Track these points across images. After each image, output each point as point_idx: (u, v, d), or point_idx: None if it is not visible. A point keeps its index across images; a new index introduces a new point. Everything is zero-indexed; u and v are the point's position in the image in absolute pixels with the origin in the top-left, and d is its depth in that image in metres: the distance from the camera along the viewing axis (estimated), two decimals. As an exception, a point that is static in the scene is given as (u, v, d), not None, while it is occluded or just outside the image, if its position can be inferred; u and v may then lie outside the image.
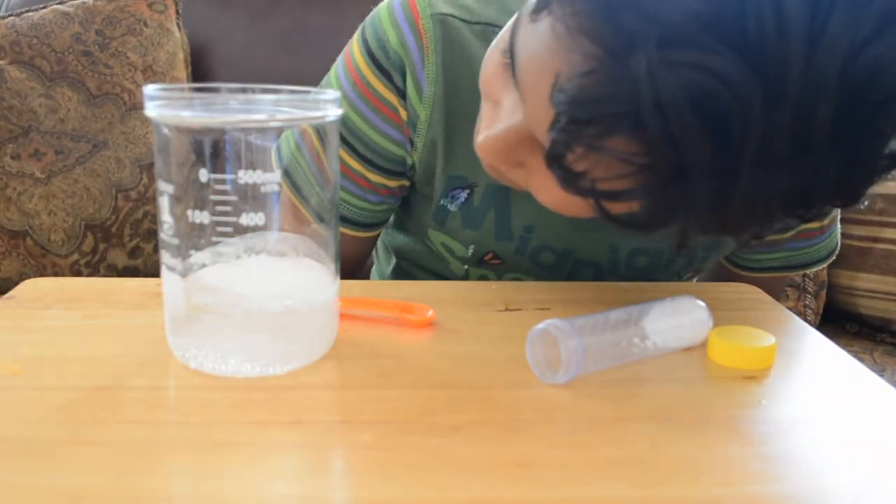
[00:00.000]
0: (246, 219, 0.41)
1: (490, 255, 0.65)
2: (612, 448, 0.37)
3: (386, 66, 0.59)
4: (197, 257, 0.43)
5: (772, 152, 0.35)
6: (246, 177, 0.40)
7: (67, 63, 1.14)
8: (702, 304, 0.50)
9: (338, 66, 0.63)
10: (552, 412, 0.41)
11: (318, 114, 0.43)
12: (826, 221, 0.69)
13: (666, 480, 0.35)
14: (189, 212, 0.41)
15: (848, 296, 1.19)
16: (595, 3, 0.36)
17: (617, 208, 0.41)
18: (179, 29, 1.22)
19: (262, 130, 0.41)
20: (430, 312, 0.52)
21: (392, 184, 0.64)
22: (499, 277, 0.67)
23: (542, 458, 0.36)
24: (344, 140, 0.62)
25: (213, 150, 0.41)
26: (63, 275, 1.12)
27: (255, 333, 0.43)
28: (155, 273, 0.56)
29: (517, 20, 0.44)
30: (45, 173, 1.11)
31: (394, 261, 0.78)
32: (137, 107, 1.16)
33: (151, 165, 1.14)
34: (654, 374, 0.46)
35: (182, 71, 1.21)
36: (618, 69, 0.35)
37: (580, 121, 0.37)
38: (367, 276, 0.89)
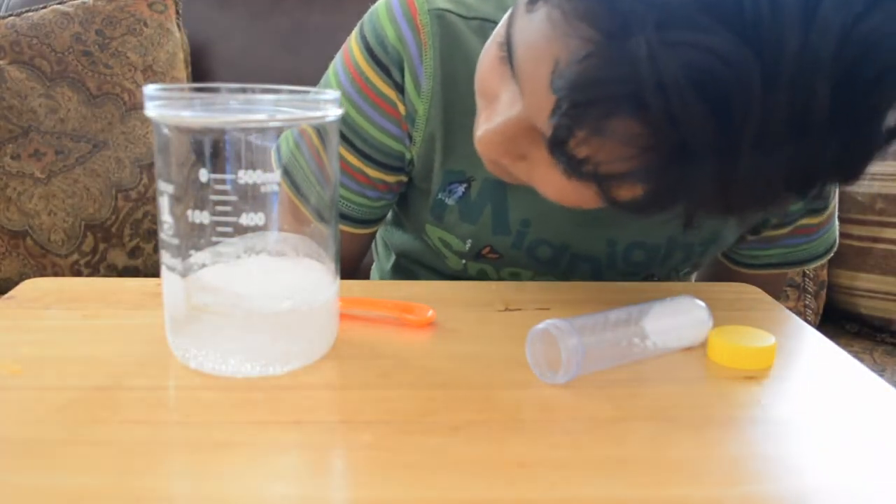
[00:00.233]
0: (246, 219, 0.41)
1: (487, 250, 0.65)
2: (612, 448, 0.37)
3: (384, 61, 0.59)
4: (197, 257, 0.43)
5: (771, 132, 0.35)
6: (246, 177, 0.40)
7: (67, 63, 1.14)
8: (702, 304, 0.50)
9: (336, 64, 0.63)
10: (552, 412, 0.41)
11: (318, 114, 0.43)
12: (824, 217, 0.69)
13: (666, 480, 0.35)
14: (189, 212, 0.41)
15: (848, 296, 1.19)
16: None
17: (621, 193, 0.41)
18: (179, 29, 1.22)
19: (262, 130, 0.41)
20: (430, 312, 0.52)
21: (390, 179, 0.64)
22: (497, 272, 0.67)
23: (542, 458, 0.36)
24: (342, 136, 0.62)
25: (213, 150, 0.41)
26: (63, 275, 1.12)
27: (255, 333, 0.43)
28: (155, 273, 0.56)
29: (513, 13, 0.44)
30: (45, 173, 1.11)
31: (393, 258, 0.78)
32: (137, 107, 1.16)
33: (151, 165, 1.14)
34: (654, 374, 0.46)
35: (182, 71, 1.21)
36: (616, 51, 0.35)
37: (581, 104, 0.38)
38: (366, 275, 0.89)
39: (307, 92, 0.42)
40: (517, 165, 0.49)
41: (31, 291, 0.56)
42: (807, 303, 1.18)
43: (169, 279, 0.43)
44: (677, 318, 0.49)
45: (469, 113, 0.54)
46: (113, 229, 1.14)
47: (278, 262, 0.45)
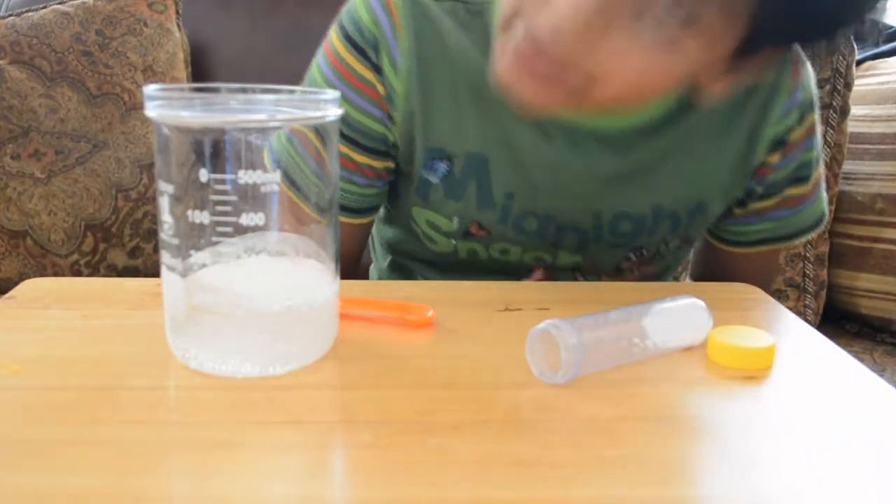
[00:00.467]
0: (246, 219, 0.41)
1: (475, 227, 0.66)
2: (612, 448, 0.37)
3: (361, 44, 0.62)
4: (197, 257, 0.43)
5: None
6: (246, 177, 0.40)
7: (67, 63, 1.14)
8: (702, 304, 0.50)
9: (318, 57, 0.65)
10: (552, 412, 0.41)
11: (318, 114, 0.43)
12: (809, 187, 0.69)
13: (666, 480, 0.35)
14: (189, 212, 0.41)
15: (848, 296, 1.19)
16: None
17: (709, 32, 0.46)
18: (179, 29, 1.22)
19: (262, 130, 0.41)
20: (430, 312, 0.52)
21: (377, 164, 0.65)
22: (486, 250, 0.68)
23: (542, 458, 0.36)
24: None
25: (213, 150, 0.41)
26: (63, 275, 1.12)
27: (255, 333, 0.43)
28: (155, 273, 0.56)
29: None
30: (45, 173, 1.11)
31: (389, 256, 0.79)
32: (137, 107, 1.16)
33: (151, 165, 1.14)
34: (654, 374, 0.46)
35: (182, 71, 1.21)
36: None
37: None
38: (366, 275, 0.89)
39: (307, 92, 0.42)
40: (586, 58, 0.49)
41: (31, 291, 0.56)
42: (807, 303, 1.18)
43: (169, 279, 0.43)
44: (677, 318, 0.49)
45: (445, 90, 0.59)
46: (113, 229, 1.14)
47: (278, 262, 0.45)
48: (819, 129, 0.68)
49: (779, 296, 1.18)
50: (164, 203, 0.42)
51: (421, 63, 0.61)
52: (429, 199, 0.66)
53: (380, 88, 0.62)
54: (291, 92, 0.42)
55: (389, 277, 0.81)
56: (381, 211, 0.76)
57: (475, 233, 0.66)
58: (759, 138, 0.64)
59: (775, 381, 0.46)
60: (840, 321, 1.22)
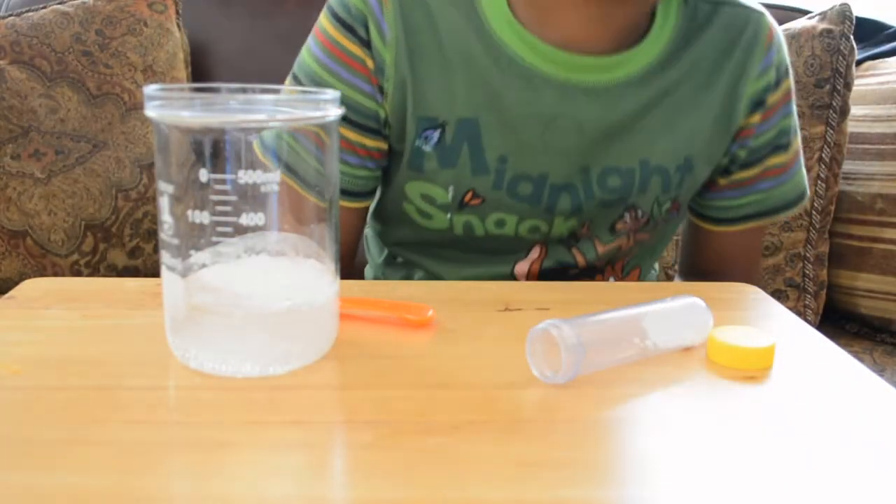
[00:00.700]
0: (246, 219, 0.41)
1: (470, 195, 0.67)
2: (612, 448, 0.37)
3: (349, 21, 0.64)
4: (197, 257, 0.43)
5: None
6: (246, 177, 0.40)
7: (67, 63, 1.14)
8: (702, 304, 0.50)
9: (308, 41, 0.68)
10: (552, 412, 0.41)
11: (318, 114, 0.43)
12: (789, 155, 0.72)
13: (665, 480, 0.35)
14: (189, 212, 0.41)
15: (848, 296, 1.19)
16: None
17: None
18: (179, 29, 1.22)
19: (262, 130, 0.41)
20: (430, 312, 0.52)
21: (369, 143, 0.67)
22: (482, 222, 0.68)
23: (542, 458, 0.36)
24: None
25: (213, 150, 0.41)
26: (63, 275, 1.12)
27: (255, 333, 0.43)
28: (155, 273, 0.56)
29: None
30: (45, 173, 1.11)
31: (384, 252, 0.79)
32: (137, 107, 1.15)
33: (151, 165, 1.14)
34: (654, 374, 0.46)
35: (182, 71, 1.21)
36: None
37: None
38: (360, 276, 0.89)
39: (307, 92, 0.42)
40: None
41: (31, 291, 0.56)
42: (806, 303, 1.18)
43: (169, 279, 0.43)
44: (677, 318, 0.49)
45: (432, 59, 0.63)
46: (113, 229, 1.14)
47: (278, 262, 0.45)
48: (794, 98, 0.72)
49: (779, 296, 1.18)
50: (164, 203, 0.42)
51: (408, 32, 0.63)
52: (423, 169, 0.66)
53: (369, 63, 0.64)
54: (291, 92, 0.42)
55: (385, 274, 0.80)
56: (373, 206, 0.77)
57: (470, 202, 0.67)
58: (739, 96, 0.68)
59: (775, 381, 0.46)
60: (840, 321, 1.22)
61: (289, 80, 0.70)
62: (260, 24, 1.30)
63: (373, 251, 0.83)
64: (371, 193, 0.72)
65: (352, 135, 0.66)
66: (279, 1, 1.31)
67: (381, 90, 0.65)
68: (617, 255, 0.73)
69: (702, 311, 0.49)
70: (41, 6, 1.18)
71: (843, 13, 1.13)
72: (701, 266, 0.81)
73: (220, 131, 0.40)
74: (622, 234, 0.71)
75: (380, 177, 0.71)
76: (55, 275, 1.12)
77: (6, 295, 0.56)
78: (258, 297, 0.43)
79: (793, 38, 1.15)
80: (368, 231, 0.84)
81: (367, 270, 0.86)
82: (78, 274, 1.13)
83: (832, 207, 1.17)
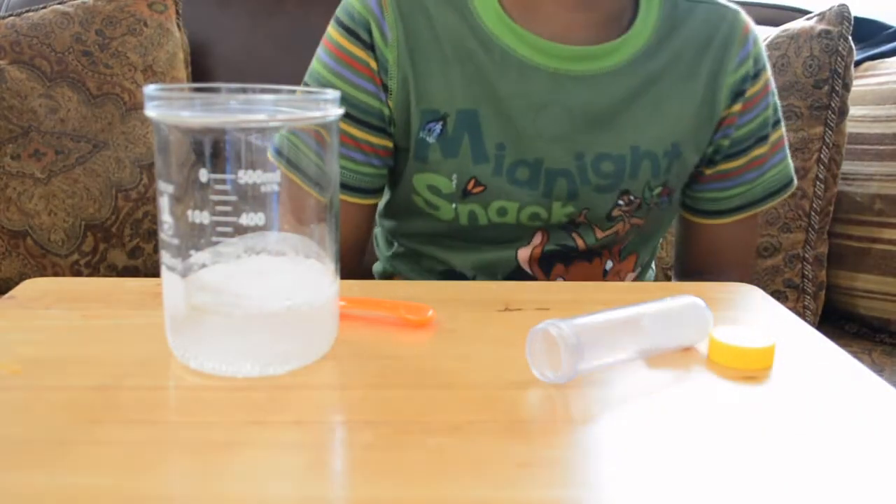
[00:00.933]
0: (246, 219, 0.41)
1: (472, 183, 0.71)
2: (612, 448, 0.37)
3: (353, 27, 0.70)
4: (197, 257, 0.43)
5: None
6: (246, 177, 0.40)
7: (67, 63, 1.14)
8: (702, 304, 0.50)
9: (318, 50, 0.73)
10: (552, 412, 0.41)
11: (318, 114, 0.43)
12: (769, 146, 0.76)
13: (665, 480, 0.35)
14: (189, 212, 0.41)
15: (847, 296, 1.19)
16: None
17: None
18: (179, 29, 1.22)
19: (262, 130, 0.41)
20: (430, 312, 0.52)
21: (374, 140, 0.71)
22: (485, 211, 0.72)
23: (542, 458, 0.36)
24: None
25: (213, 150, 0.41)
26: (63, 275, 1.12)
27: (255, 333, 0.43)
28: (155, 273, 0.56)
29: None
30: (45, 173, 1.11)
31: (393, 245, 0.82)
32: (137, 107, 1.15)
33: (151, 165, 1.14)
34: (654, 374, 0.46)
35: (182, 71, 1.21)
36: None
37: None
38: (368, 275, 0.89)
39: (307, 92, 0.42)
40: None
41: (31, 291, 0.56)
42: (806, 303, 1.18)
43: (169, 279, 0.43)
44: (677, 318, 0.49)
45: (431, 57, 0.68)
46: (113, 229, 1.14)
47: (278, 262, 0.45)
48: (775, 90, 0.77)
49: (778, 297, 1.18)
50: (164, 203, 0.42)
51: (408, 33, 0.69)
52: (427, 160, 0.71)
53: (373, 64, 0.69)
54: (291, 92, 0.42)
55: (394, 266, 0.83)
56: (384, 204, 0.81)
57: (473, 190, 0.71)
58: (719, 86, 0.72)
59: (775, 381, 0.46)
60: (839, 322, 1.22)
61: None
62: (260, 24, 1.30)
63: (381, 246, 0.86)
64: (377, 192, 0.75)
65: (358, 132, 0.70)
66: (279, 1, 1.31)
67: (386, 88, 0.69)
68: (615, 240, 0.76)
69: (702, 311, 0.49)
70: (41, 6, 1.18)
71: (842, 14, 1.13)
72: (696, 263, 0.83)
73: (220, 131, 0.40)
74: (619, 220, 0.74)
75: (385, 175, 0.74)
76: (55, 275, 1.12)
77: (6, 295, 0.56)
78: (258, 297, 0.43)
79: (791, 38, 1.15)
80: (377, 229, 0.87)
81: (377, 266, 0.88)
82: (78, 274, 1.13)
83: (831, 208, 1.17)
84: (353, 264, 0.76)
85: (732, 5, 0.75)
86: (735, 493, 0.34)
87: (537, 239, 0.74)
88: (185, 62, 1.22)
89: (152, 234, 1.15)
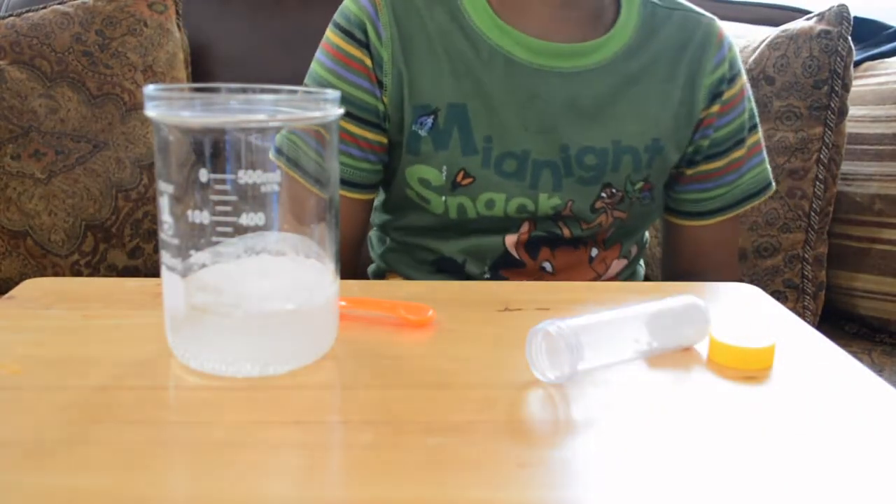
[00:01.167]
0: (246, 219, 0.41)
1: (461, 175, 0.74)
2: (612, 448, 0.37)
3: (349, 28, 0.73)
4: (197, 257, 0.43)
5: None
6: (246, 177, 0.40)
7: (67, 63, 1.14)
8: (701, 304, 0.50)
9: (317, 53, 0.76)
10: (552, 412, 0.41)
11: (318, 114, 0.43)
12: (745, 149, 0.79)
13: (665, 480, 0.35)
14: (189, 212, 0.41)
15: (846, 297, 1.19)
16: None
17: None
18: (179, 29, 1.22)
19: (262, 130, 0.41)
20: (430, 312, 0.52)
21: (371, 136, 0.74)
22: (474, 204, 0.74)
23: (542, 458, 0.36)
24: None
25: (213, 150, 0.41)
26: (63, 275, 1.12)
27: (255, 333, 0.43)
28: (155, 273, 0.56)
29: None
30: (45, 173, 1.11)
31: (386, 241, 0.84)
32: (137, 107, 1.15)
33: (151, 165, 1.14)
34: (654, 374, 0.46)
35: (182, 71, 1.21)
36: None
37: None
38: (364, 275, 0.90)
39: (307, 92, 0.42)
40: None
41: (31, 291, 0.56)
42: (805, 304, 1.18)
43: (169, 279, 0.43)
44: (677, 317, 0.49)
45: (423, 53, 0.72)
46: (113, 229, 1.14)
47: (278, 262, 0.45)
48: (751, 97, 0.81)
49: (778, 297, 1.18)
50: (164, 203, 0.42)
51: (402, 32, 0.72)
52: (419, 152, 0.74)
53: (368, 62, 0.73)
54: (291, 92, 0.42)
55: (387, 261, 0.85)
56: (379, 202, 0.83)
57: (462, 182, 0.74)
58: (697, 87, 0.76)
59: (775, 381, 0.46)
60: (839, 322, 1.22)
61: None
62: (260, 24, 1.30)
63: (374, 246, 0.88)
64: (373, 187, 0.78)
65: (355, 129, 0.73)
66: (279, 1, 1.31)
67: (381, 84, 0.73)
68: (599, 231, 0.78)
69: (701, 311, 0.49)
70: (41, 6, 1.18)
71: (841, 14, 1.13)
72: (681, 266, 0.86)
73: (220, 131, 0.40)
74: (602, 212, 0.77)
75: (380, 170, 0.77)
76: (55, 275, 1.12)
77: (6, 295, 0.56)
78: (258, 297, 0.43)
79: (791, 39, 1.15)
80: (370, 232, 0.89)
81: (371, 267, 0.89)
82: (78, 274, 1.13)
83: (831, 208, 1.17)
84: (352, 260, 0.79)
85: (707, 13, 0.79)
86: (735, 493, 0.34)
87: (524, 227, 0.76)
88: (185, 62, 1.22)
89: (152, 234, 1.15)
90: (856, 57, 1.19)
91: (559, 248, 0.78)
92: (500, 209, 0.74)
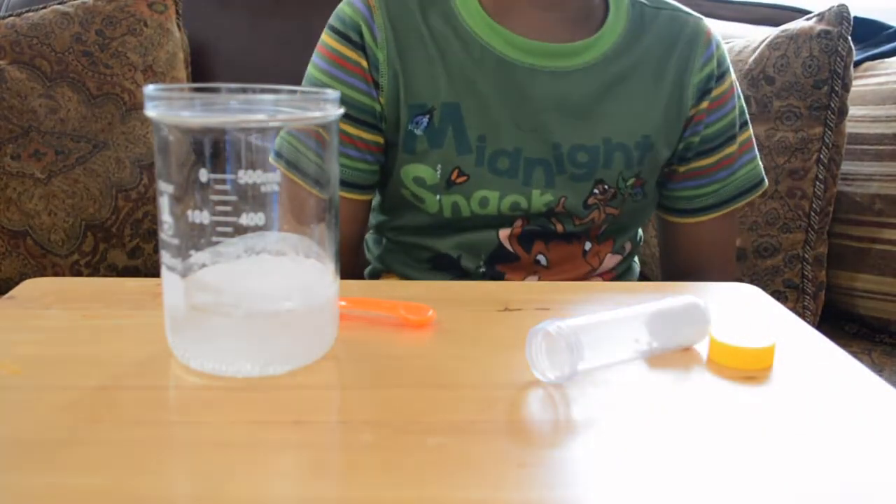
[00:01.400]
0: (246, 219, 0.41)
1: (456, 173, 0.74)
2: (612, 448, 0.37)
3: (344, 31, 0.74)
4: (197, 257, 0.43)
5: None
6: (246, 177, 0.40)
7: (67, 63, 1.14)
8: (701, 304, 0.50)
9: (313, 57, 0.77)
10: (552, 412, 0.41)
11: (318, 114, 0.43)
12: (736, 145, 0.80)
13: (665, 480, 0.35)
14: (189, 212, 0.41)
15: (846, 297, 1.19)
16: None
17: None
18: (179, 29, 1.22)
19: (262, 130, 0.41)
20: (430, 312, 0.52)
21: (367, 136, 0.75)
22: (468, 202, 0.75)
23: (542, 458, 0.36)
24: None
25: (213, 150, 0.41)
26: (63, 275, 1.12)
27: (255, 333, 0.43)
28: (155, 273, 0.56)
29: None
30: (45, 173, 1.11)
31: (382, 242, 0.85)
32: (137, 107, 1.15)
33: (151, 165, 1.14)
34: (654, 374, 0.46)
35: (182, 71, 1.21)
36: None
37: None
38: (362, 277, 0.90)
39: (307, 92, 0.42)
40: None
41: (31, 291, 0.56)
42: (805, 304, 1.18)
43: (169, 279, 0.43)
44: (677, 317, 0.49)
45: (418, 54, 0.73)
46: (113, 229, 1.14)
47: (278, 262, 0.45)
48: (741, 95, 0.81)
49: (778, 297, 1.18)
50: (164, 203, 0.42)
51: (396, 33, 0.73)
52: (415, 150, 0.75)
53: (363, 63, 0.74)
54: (291, 92, 0.42)
55: (384, 260, 0.85)
56: (376, 203, 0.84)
57: (456, 180, 0.75)
58: (686, 84, 0.77)
59: (775, 381, 0.46)
60: (839, 322, 1.22)
61: None
62: (260, 24, 1.30)
63: (371, 248, 0.88)
64: (371, 187, 0.79)
65: (352, 130, 0.74)
66: (279, 1, 1.31)
67: (377, 85, 0.74)
68: (591, 227, 0.79)
69: (701, 311, 0.49)
70: (41, 6, 1.18)
71: (841, 14, 1.13)
72: (679, 265, 0.87)
73: (220, 131, 0.40)
74: (594, 208, 0.77)
75: (377, 171, 0.78)
76: (55, 275, 1.12)
77: (6, 295, 0.56)
78: (258, 297, 0.43)
79: (791, 39, 1.15)
80: (367, 235, 0.89)
81: (368, 270, 0.89)
82: (78, 274, 1.13)
83: (831, 208, 1.17)
84: (351, 261, 0.79)
85: (694, 13, 0.80)
86: (735, 493, 0.34)
87: (517, 223, 0.77)
88: (185, 62, 1.22)
89: (152, 234, 1.15)
90: (856, 57, 1.19)
91: (553, 241, 0.78)
92: (493, 207, 0.75)
